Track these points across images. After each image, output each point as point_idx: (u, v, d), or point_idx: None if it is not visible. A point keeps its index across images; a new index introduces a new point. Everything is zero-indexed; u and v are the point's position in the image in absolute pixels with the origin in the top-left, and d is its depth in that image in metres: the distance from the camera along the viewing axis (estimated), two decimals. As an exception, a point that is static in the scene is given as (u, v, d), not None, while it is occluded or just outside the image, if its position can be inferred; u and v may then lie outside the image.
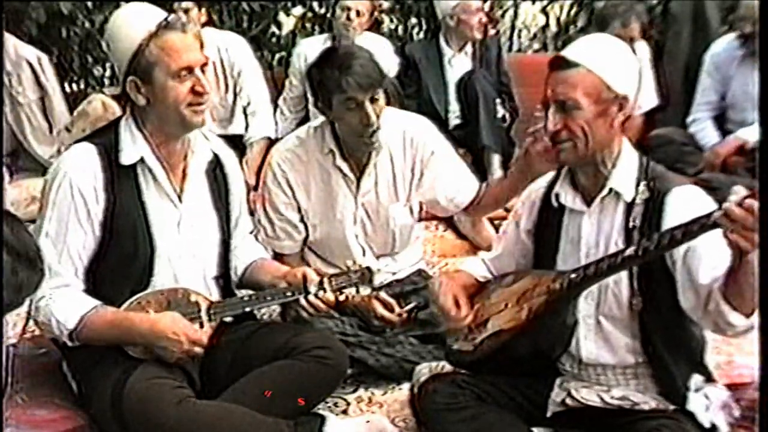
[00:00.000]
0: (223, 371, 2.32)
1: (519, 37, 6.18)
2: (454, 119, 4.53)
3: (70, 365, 2.39)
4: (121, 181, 2.26)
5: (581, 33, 5.13)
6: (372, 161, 2.79)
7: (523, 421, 2.17)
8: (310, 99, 4.10)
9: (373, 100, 2.64)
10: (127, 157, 2.27)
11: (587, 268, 2.00)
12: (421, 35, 5.65)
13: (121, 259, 2.27)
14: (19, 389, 2.37)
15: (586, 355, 2.12)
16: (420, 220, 3.02)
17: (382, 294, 2.73)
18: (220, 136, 2.75)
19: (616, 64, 2.04)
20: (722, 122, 4.28)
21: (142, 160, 2.28)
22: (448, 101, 4.53)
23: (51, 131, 4.22)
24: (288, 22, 5.75)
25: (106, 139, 2.30)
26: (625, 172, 2.07)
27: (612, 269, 1.98)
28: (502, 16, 6.03)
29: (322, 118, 2.82)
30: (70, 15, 5.00)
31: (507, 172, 2.90)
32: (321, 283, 2.34)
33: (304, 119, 4.44)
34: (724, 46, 4.29)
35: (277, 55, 5.62)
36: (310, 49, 4.50)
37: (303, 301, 2.33)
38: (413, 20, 5.73)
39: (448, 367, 2.35)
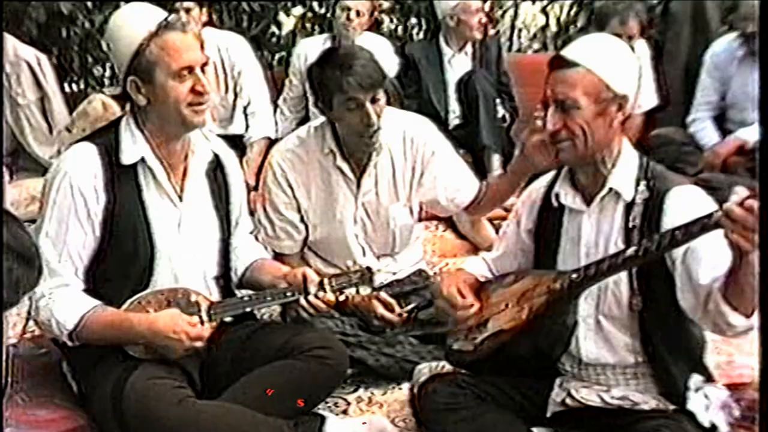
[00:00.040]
0: (223, 371, 2.32)
1: (519, 37, 6.18)
2: (454, 119, 4.53)
3: (70, 365, 2.39)
4: (122, 181, 2.26)
5: (581, 33, 5.13)
6: (372, 161, 2.79)
7: (523, 421, 2.17)
8: (311, 99, 4.10)
9: (373, 101, 2.64)
10: (127, 157, 2.27)
11: (588, 269, 2.01)
12: (421, 35, 5.65)
13: (121, 259, 2.27)
14: (19, 389, 2.37)
15: (586, 354, 2.13)
16: (420, 220, 3.03)
17: (383, 294, 2.74)
18: (221, 136, 2.75)
19: (616, 64, 2.04)
20: (722, 122, 4.28)
21: (142, 160, 2.28)
22: (448, 101, 4.53)
23: (50, 132, 4.21)
24: (288, 22, 5.75)
25: (106, 138, 2.30)
26: (624, 171, 2.08)
27: (612, 270, 1.98)
28: (502, 16, 6.03)
29: (322, 118, 2.82)
30: (70, 15, 5.00)
31: (506, 169, 2.89)
32: (321, 283, 2.34)
33: (304, 119, 4.44)
34: (724, 46, 4.29)
35: (277, 55, 5.62)
36: (310, 49, 4.50)
37: (303, 302, 2.33)
38: (413, 20, 5.73)
39: (448, 367, 2.35)
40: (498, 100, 4.51)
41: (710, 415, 2.03)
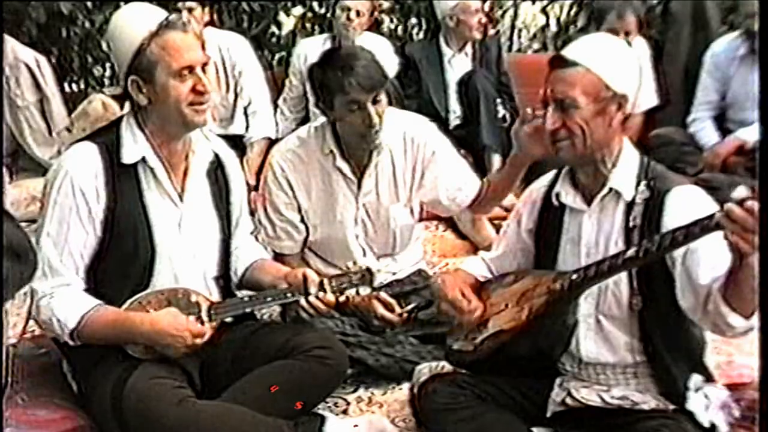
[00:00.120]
0: (223, 371, 2.32)
1: (519, 37, 6.18)
2: (454, 119, 4.53)
3: (70, 365, 2.39)
4: (123, 181, 2.26)
5: (581, 33, 5.12)
6: (373, 162, 2.79)
7: (523, 421, 2.17)
8: (311, 99, 4.11)
9: (375, 101, 2.64)
10: (128, 157, 2.27)
11: (588, 269, 2.01)
12: (421, 35, 5.65)
13: (122, 259, 2.27)
14: (19, 389, 2.37)
15: (586, 354, 2.13)
16: (420, 219, 3.03)
17: (383, 294, 2.73)
18: (221, 136, 2.75)
19: (616, 64, 2.04)
20: (722, 122, 4.28)
21: (143, 160, 2.28)
22: (449, 101, 4.53)
23: (50, 133, 4.21)
24: (288, 22, 5.75)
25: (107, 138, 2.30)
26: (625, 171, 2.08)
27: (613, 270, 1.98)
28: (502, 16, 6.03)
29: (322, 119, 2.82)
30: (70, 15, 5.00)
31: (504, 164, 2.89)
32: (321, 284, 2.34)
33: (305, 119, 4.44)
34: (724, 45, 4.28)
35: (277, 55, 5.62)
36: (310, 49, 4.50)
37: (303, 302, 2.34)
38: (413, 20, 5.73)
39: (448, 367, 2.35)
40: (499, 100, 4.51)
41: (710, 415, 2.03)
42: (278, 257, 2.84)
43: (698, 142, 4.25)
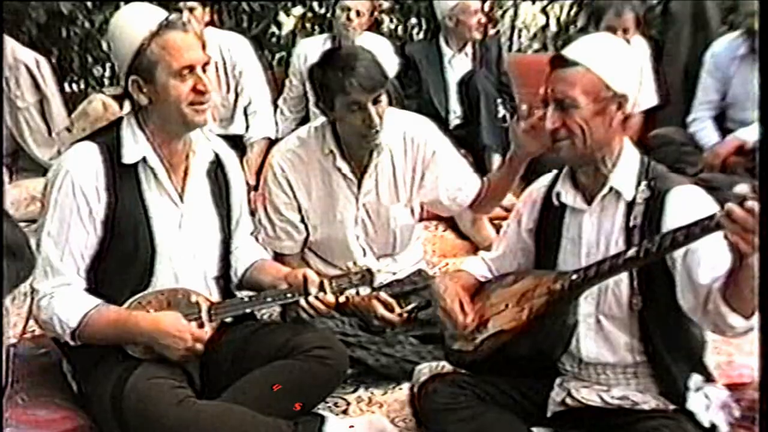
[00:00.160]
0: (223, 371, 2.32)
1: (519, 37, 6.18)
2: (454, 119, 4.53)
3: (70, 365, 2.39)
4: (123, 181, 2.26)
5: (581, 33, 5.12)
6: (373, 162, 2.79)
7: (523, 421, 2.17)
8: (311, 99, 4.11)
9: (375, 102, 2.64)
10: (129, 156, 2.27)
11: (588, 269, 2.00)
12: (421, 35, 5.65)
13: (122, 259, 2.27)
14: (19, 389, 2.37)
15: (586, 354, 2.13)
16: (421, 219, 3.03)
17: (383, 294, 2.73)
18: (221, 136, 2.75)
19: (616, 64, 2.04)
20: (722, 121, 4.28)
21: (144, 160, 2.28)
22: (449, 101, 4.53)
23: (50, 134, 4.20)
24: (288, 22, 5.75)
25: (107, 138, 2.30)
26: (625, 171, 2.08)
27: (613, 270, 1.98)
28: (502, 16, 6.03)
29: (322, 119, 2.82)
30: (70, 15, 5.00)
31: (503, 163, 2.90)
32: (321, 284, 2.34)
33: (305, 119, 4.44)
34: (724, 45, 4.28)
35: (277, 55, 5.62)
36: (310, 49, 4.50)
37: (303, 303, 2.34)
38: (413, 20, 5.73)
39: (448, 367, 2.35)
40: (499, 100, 4.51)
41: (710, 415, 2.03)
42: (278, 257, 2.84)
43: (698, 142, 4.25)
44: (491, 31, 4.98)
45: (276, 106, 4.61)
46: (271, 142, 4.11)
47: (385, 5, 5.50)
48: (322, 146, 2.79)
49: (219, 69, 4.25)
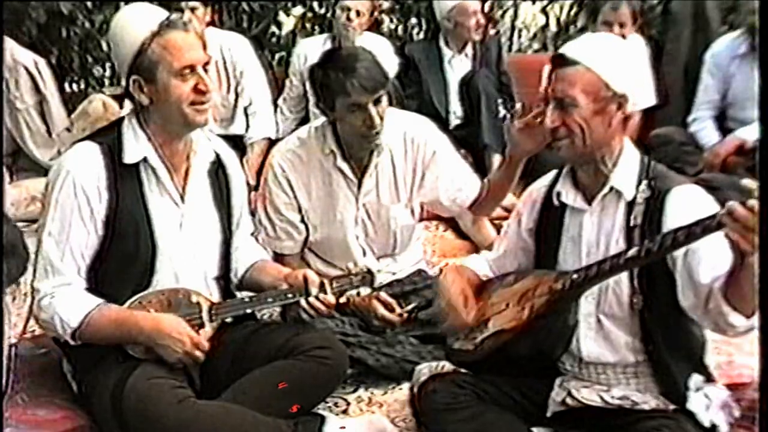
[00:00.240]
0: (223, 371, 2.32)
1: (519, 37, 6.19)
2: (454, 120, 4.53)
3: (70, 365, 2.39)
4: (124, 180, 2.27)
5: (581, 33, 5.13)
6: (373, 162, 2.79)
7: (523, 421, 2.17)
8: (311, 99, 4.11)
9: (376, 103, 2.64)
10: (130, 156, 2.27)
11: (589, 269, 2.00)
12: (421, 35, 5.66)
13: (123, 258, 2.27)
14: (19, 389, 2.37)
15: (587, 353, 2.12)
16: (421, 219, 3.03)
17: (383, 294, 2.73)
18: (221, 136, 2.75)
19: (616, 63, 2.04)
20: (723, 121, 4.28)
21: (145, 160, 2.28)
22: (449, 101, 4.53)
23: (49, 135, 4.20)
24: (288, 22, 5.76)
25: (108, 138, 2.30)
26: (626, 170, 2.08)
27: (614, 270, 1.98)
28: (502, 16, 6.04)
29: (322, 119, 2.82)
30: (70, 15, 5.00)
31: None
32: (322, 285, 2.34)
33: (305, 119, 4.44)
34: (725, 44, 4.28)
35: (277, 55, 5.63)
36: (310, 49, 4.50)
37: (304, 303, 2.34)
38: (413, 20, 5.74)
39: (448, 367, 2.34)
40: (500, 100, 4.51)
41: (710, 415, 2.03)
42: (278, 257, 2.84)
43: (699, 142, 4.25)
44: (491, 32, 4.97)
45: (276, 106, 4.61)
46: (272, 142, 4.11)
47: (385, 5, 5.51)
48: (323, 146, 2.79)
49: (219, 69, 4.25)
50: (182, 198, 2.35)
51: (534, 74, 2.47)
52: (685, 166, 3.98)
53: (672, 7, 5.08)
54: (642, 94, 2.09)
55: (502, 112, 4.52)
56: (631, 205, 2.06)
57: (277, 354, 2.31)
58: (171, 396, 2.13)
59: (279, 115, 4.61)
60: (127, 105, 2.33)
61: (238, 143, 3.93)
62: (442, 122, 4.04)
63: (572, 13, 5.94)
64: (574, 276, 2.02)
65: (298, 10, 5.70)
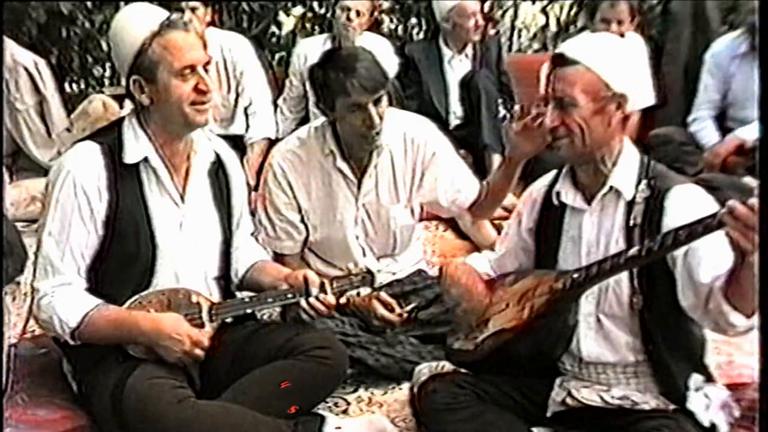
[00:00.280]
0: (223, 371, 2.32)
1: (519, 37, 6.20)
2: (454, 120, 4.53)
3: (70, 365, 2.39)
4: (124, 180, 2.27)
5: (581, 33, 5.13)
6: (373, 162, 2.79)
7: (523, 421, 2.17)
8: (311, 99, 4.11)
9: (376, 103, 2.64)
10: (130, 156, 2.27)
11: (590, 268, 2.00)
12: (421, 35, 5.66)
13: (123, 258, 2.27)
14: (19, 389, 2.37)
15: (587, 353, 2.12)
16: (421, 219, 3.02)
17: (383, 294, 2.73)
18: (222, 136, 2.75)
19: (615, 63, 2.04)
20: (723, 121, 4.28)
21: (145, 160, 2.28)
22: (449, 102, 4.53)
23: (49, 136, 4.20)
24: (288, 22, 5.76)
25: (109, 138, 2.30)
26: (625, 170, 2.08)
27: (615, 269, 1.98)
28: (502, 16, 6.04)
29: (322, 119, 2.82)
30: (70, 15, 5.01)
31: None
32: (322, 285, 2.34)
33: (305, 119, 4.44)
34: (725, 43, 4.28)
35: (277, 55, 5.63)
36: (310, 49, 4.50)
37: (304, 304, 2.34)
38: (413, 20, 5.75)
39: (448, 367, 2.34)
40: (500, 100, 4.51)
41: (710, 414, 2.03)
42: (278, 257, 2.84)
43: (699, 142, 4.25)
44: (491, 32, 4.97)
45: (276, 106, 4.61)
46: (272, 143, 4.11)
47: (385, 5, 5.51)
48: (322, 146, 2.79)
49: (220, 69, 4.25)
50: (182, 198, 2.35)
51: (534, 74, 2.47)
52: (684, 166, 3.99)
53: (672, 7, 5.08)
54: (641, 93, 2.09)
55: (502, 112, 4.52)
56: (630, 205, 2.06)
57: (277, 354, 2.31)
58: (171, 396, 2.13)
59: (279, 115, 4.61)
60: (128, 105, 2.33)
61: (238, 143, 3.93)
62: (442, 122, 4.04)
63: (572, 13, 5.95)
64: (575, 275, 2.02)
65: (298, 10, 5.70)
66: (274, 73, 4.94)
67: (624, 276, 2.04)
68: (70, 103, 4.54)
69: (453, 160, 2.90)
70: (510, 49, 5.96)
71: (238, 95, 4.39)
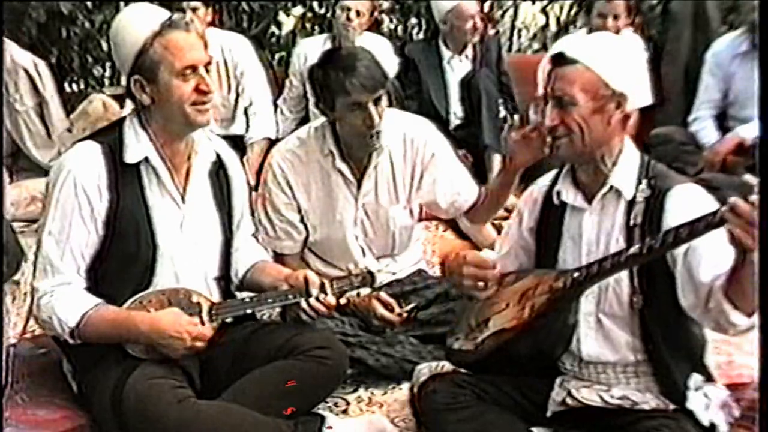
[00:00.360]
0: (223, 371, 2.32)
1: (519, 37, 6.20)
2: (455, 120, 4.53)
3: (70, 364, 2.39)
4: (125, 180, 2.27)
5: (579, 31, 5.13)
6: (372, 163, 2.79)
7: (523, 421, 2.17)
8: (311, 99, 4.10)
9: (376, 102, 2.64)
10: (131, 156, 2.27)
11: (590, 267, 2.00)
12: (421, 35, 5.66)
13: (123, 258, 2.28)
14: (19, 389, 2.38)
15: (587, 352, 2.12)
16: (420, 220, 3.02)
17: (382, 294, 2.73)
18: (222, 136, 2.75)
19: (615, 62, 2.04)
20: (723, 120, 4.28)
21: (146, 160, 2.29)
22: (449, 102, 4.53)
23: (49, 136, 4.20)
24: (288, 22, 5.76)
25: (110, 137, 2.30)
26: (625, 169, 2.08)
27: (615, 268, 1.97)
28: (502, 16, 6.04)
29: (322, 119, 2.82)
30: (70, 15, 5.01)
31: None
32: (322, 286, 2.34)
33: (305, 119, 4.45)
34: (726, 43, 4.28)
35: (277, 55, 5.63)
36: (310, 49, 4.50)
37: (304, 304, 2.34)
38: (413, 20, 5.75)
39: (448, 367, 2.34)
40: (500, 101, 4.51)
41: (710, 414, 2.03)
42: (278, 257, 2.83)
43: (699, 141, 4.25)
44: (491, 32, 4.97)
45: (276, 106, 4.61)
46: (272, 143, 4.11)
47: (385, 5, 5.51)
48: (322, 147, 2.79)
49: (220, 69, 4.26)
50: (183, 198, 2.35)
51: (534, 74, 2.48)
52: (685, 165, 3.99)
53: (672, 7, 5.07)
54: (641, 92, 2.09)
55: (503, 112, 4.52)
56: (631, 204, 2.06)
57: (277, 354, 2.31)
58: (171, 396, 2.13)
59: (279, 115, 4.61)
60: (128, 105, 2.33)
61: (238, 143, 3.93)
62: (442, 123, 4.04)
63: (572, 13, 5.95)
64: (575, 274, 2.02)
65: (298, 10, 5.71)
66: (274, 73, 4.94)
67: (624, 275, 2.04)
68: (70, 103, 4.54)
69: (452, 162, 2.90)
70: (510, 49, 5.96)
71: (238, 95, 4.39)
